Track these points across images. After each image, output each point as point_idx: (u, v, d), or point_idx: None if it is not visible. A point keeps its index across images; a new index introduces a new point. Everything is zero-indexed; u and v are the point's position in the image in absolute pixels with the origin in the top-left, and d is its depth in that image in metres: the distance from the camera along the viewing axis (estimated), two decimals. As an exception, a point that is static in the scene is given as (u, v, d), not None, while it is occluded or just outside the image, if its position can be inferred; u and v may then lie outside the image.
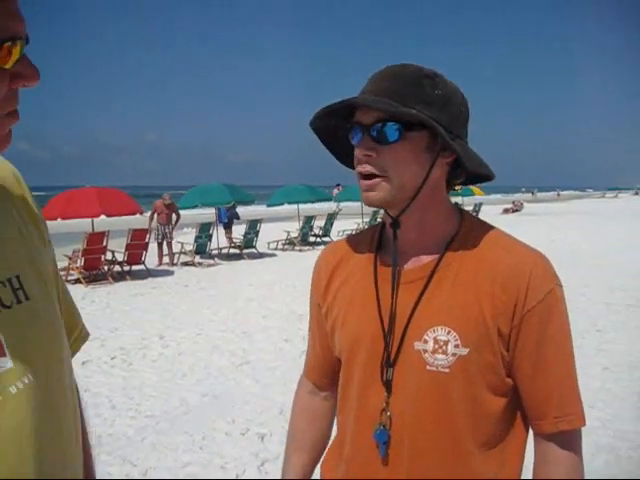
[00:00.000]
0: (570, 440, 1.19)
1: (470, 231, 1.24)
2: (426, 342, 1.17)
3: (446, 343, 1.15)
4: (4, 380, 0.81)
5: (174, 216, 15.77)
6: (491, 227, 1.26)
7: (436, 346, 1.16)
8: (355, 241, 1.37)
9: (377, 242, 1.31)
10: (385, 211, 1.25)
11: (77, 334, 1.13)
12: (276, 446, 4.28)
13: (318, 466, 1.45)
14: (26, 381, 0.83)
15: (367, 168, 1.16)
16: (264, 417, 4.96)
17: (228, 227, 19.55)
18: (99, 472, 1.16)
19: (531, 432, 1.24)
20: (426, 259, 1.22)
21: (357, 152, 1.18)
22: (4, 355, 0.82)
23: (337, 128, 1.24)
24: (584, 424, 1.19)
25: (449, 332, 1.15)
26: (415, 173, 1.16)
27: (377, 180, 1.16)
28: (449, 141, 1.11)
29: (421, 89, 1.14)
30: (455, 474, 1.18)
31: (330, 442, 1.44)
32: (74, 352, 1.09)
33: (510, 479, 1.22)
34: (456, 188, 1.29)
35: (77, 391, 1.05)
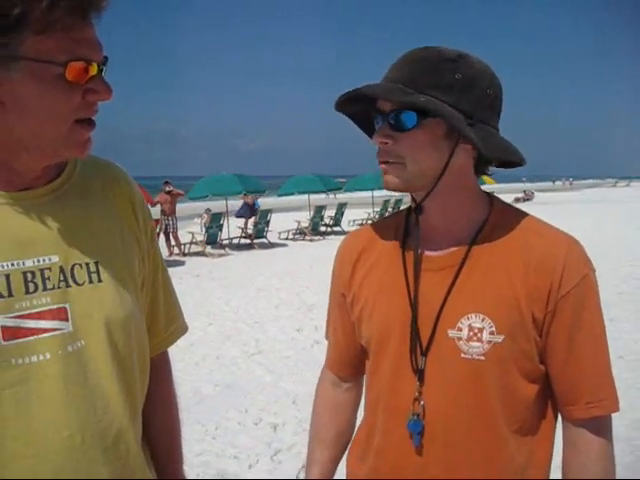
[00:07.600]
0: (602, 426, 1.17)
1: (501, 217, 1.22)
2: (460, 330, 1.15)
3: (481, 330, 1.14)
4: (65, 339, 1.00)
5: (177, 200, 15.65)
6: (523, 213, 1.24)
7: (471, 333, 1.14)
8: (379, 228, 1.35)
9: (403, 228, 1.29)
10: (411, 197, 1.23)
11: (175, 327, 1.36)
12: (289, 436, 4.25)
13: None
14: (79, 344, 1.01)
15: (384, 157, 1.16)
16: (277, 407, 4.97)
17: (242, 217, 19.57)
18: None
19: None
20: (456, 246, 1.20)
21: (376, 139, 1.17)
22: (67, 320, 1.00)
23: (367, 113, 1.22)
24: (617, 410, 1.17)
25: (484, 319, 1.14)
26: (434, 160, 1.14)
27: (394, 165, 1.15)
28: (461, 128, 1.09)
29: (439, 74, 1.12)
30: (490, 461, 1.17)
31: (355, 432, 1.42)
32: (171, 342, 1.36)
33: (541, 465, 1.21)
34: (488, 173, 1.25)
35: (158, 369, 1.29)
